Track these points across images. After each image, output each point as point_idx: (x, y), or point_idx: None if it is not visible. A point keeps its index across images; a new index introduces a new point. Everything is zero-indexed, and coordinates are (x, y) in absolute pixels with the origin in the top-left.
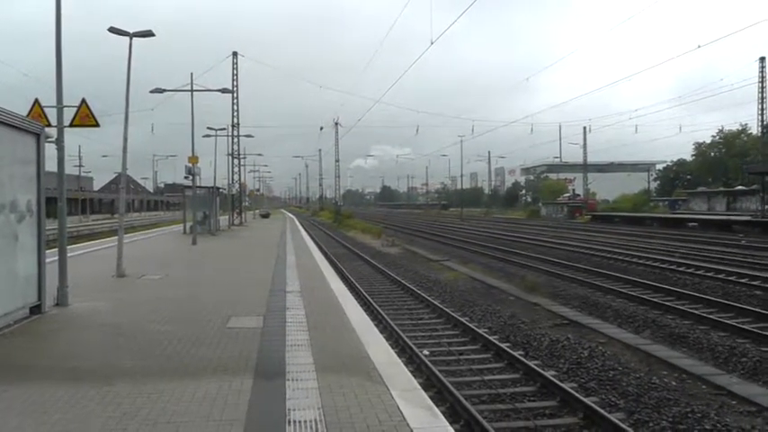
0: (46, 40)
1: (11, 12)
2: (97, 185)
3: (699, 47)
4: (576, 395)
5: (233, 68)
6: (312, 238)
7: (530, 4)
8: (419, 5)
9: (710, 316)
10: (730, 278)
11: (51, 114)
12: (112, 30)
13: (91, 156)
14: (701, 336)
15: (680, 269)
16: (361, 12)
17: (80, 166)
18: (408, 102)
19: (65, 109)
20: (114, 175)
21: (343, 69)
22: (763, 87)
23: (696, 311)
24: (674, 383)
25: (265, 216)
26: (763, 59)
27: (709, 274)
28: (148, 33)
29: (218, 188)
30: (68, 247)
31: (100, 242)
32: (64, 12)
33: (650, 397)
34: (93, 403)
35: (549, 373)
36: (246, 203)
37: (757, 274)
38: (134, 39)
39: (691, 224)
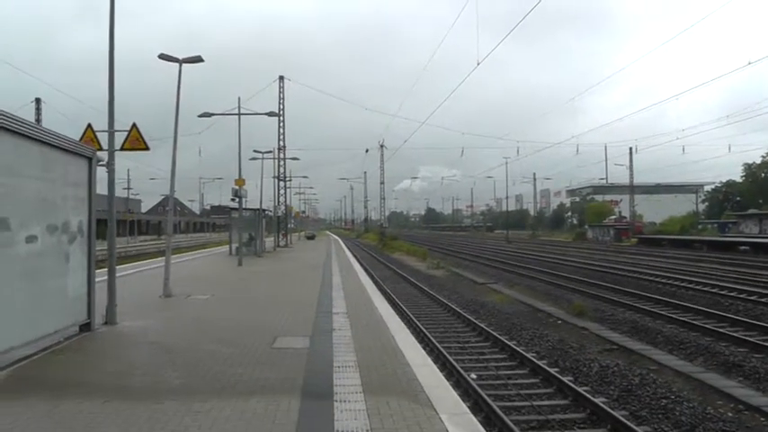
0: (102, 70)
1: (69, 41)
2: (145, 207)
3: (749, 63)
4: (628, 423)
5: (279, 92)
6: (357, 260)
7: (576, 25)
8: (467, 28)
9: (767, 344)
10: None
11: (103, 139)
12: (162, 56)
13: (139, 179)
14: (758, 364)
15: (732, 294)
16: (411, 35)
17: (129, 188)
18: (454, 123)
19: (116, 133)
20: (161, 198)
21: (390, 92)
22: None
23: (751, 339)
24: (730, 414)
25: (311, 238)
26: None
27: (762, 299)
28: (197, 59)
29: (263, 210)
30: (117, 267)
31: (147, 263)
32: (116, 40)
33: (705, 428)
34: (141, 421)
35: (599, 400)
36: (292, 225)
37: None
38: (183, 65)
39: (742, 248)
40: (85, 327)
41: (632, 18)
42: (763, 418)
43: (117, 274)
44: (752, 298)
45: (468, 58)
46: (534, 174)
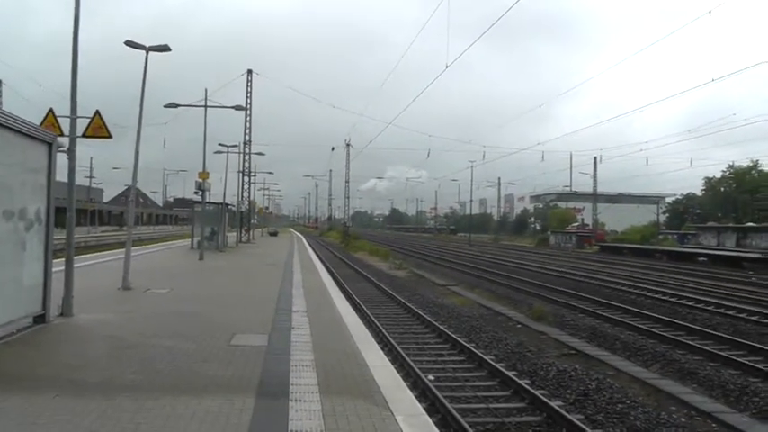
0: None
1: (36, 26)
2: (107, 197)
3: (713, 80)
4: (583, 427)
5: (247, 86)
6: (319, 258)
7: (547, 35)
8: (438, 31)
9: (722, 353)
10: (741, 315)
11: (65, 125)
12: (129, 43)
13: (102, 167)
14: (712, 372)
15: (689, 304)
16: (382, 36)
17: (91, 177)
18: (422, 126)
19: (78, 120)
20: (124, 188)
21: (359, 92)
22: None
23: (707, 347)
24: (683, 419)
25: (273, 234)
26: None
27: (719, 309)
28: (164, 48)
29: (227, 205)
30: (75, 257)
31: (107, 254)
32: (82, 26)
33: None
34: (91, 417)
35: (555, 404)
36: (255, 221)
37: None
38: (150, 53)
39: (700, 259)
40: (40, 318)
41: (602, 31)
42: (714, 424)
43: (75, 265)
44: (709, 308)
45: (437, 61)
46: (499, 178)
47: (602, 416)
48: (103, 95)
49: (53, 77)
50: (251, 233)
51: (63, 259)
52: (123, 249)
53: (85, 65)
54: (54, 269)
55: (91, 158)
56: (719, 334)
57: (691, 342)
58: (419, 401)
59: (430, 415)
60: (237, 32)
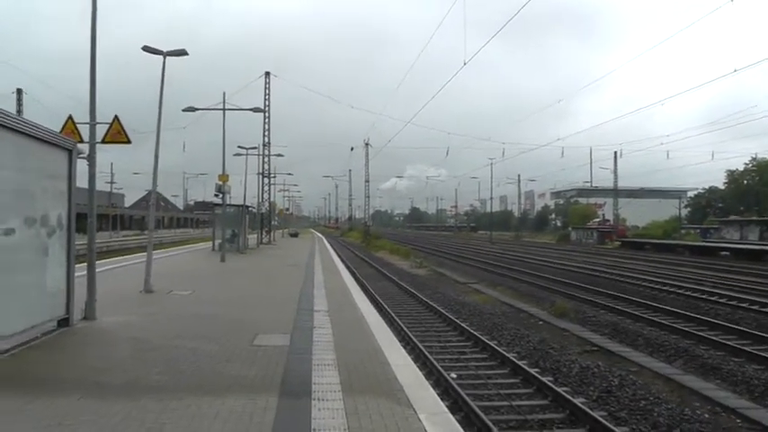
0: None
1: (51, 33)
2: (128, 202)
3: (735, 71)
4: (606, 424)
5: (265, 88)
6: (340, 258)
7: (565, 29)
8: (455, 29)
9: (745, 348)
10: (764, 309)
11: (84, 131)
12: (147, 49)
13: (123, 173)
14: (735, 368)
15: (712, 298)
16: (399, 35)
17: (111, 182)
18: (440, 124)
19: (97, 126)
20: (145, 192)
21: (376, 91)
22: None
23: (730, 342)
24: (707, 416)
25: (294, 235)
26: None
27: (742, 304)
28: (182, 53)
29: (247, 207)
30: (98, 261)
31: (129, 257)
32: (99, 32)
33: (682, 429)
34: (117, 418)
35: (578, 401)
36: (275, 222)
37: None
38: (168, 58)
39: (723, 253)
40: (64, 322)
41: (621, 24)
42: (738, 420)
43: (98, 269)
44: (731, 302)
45: (455, 58)
46: (519, 175)
47: (626, 413)
48: (121, 101)
49: (70, 84)
50: (272, 234)
51: (85, 264)
52: (145, 253)
53: (102, 70)
54: (77, 274)
55: (111, 164)
56: (742, 329)
57: (713, 337)
58: (441, 400)
59: (453, 413)
60: (254, 35)
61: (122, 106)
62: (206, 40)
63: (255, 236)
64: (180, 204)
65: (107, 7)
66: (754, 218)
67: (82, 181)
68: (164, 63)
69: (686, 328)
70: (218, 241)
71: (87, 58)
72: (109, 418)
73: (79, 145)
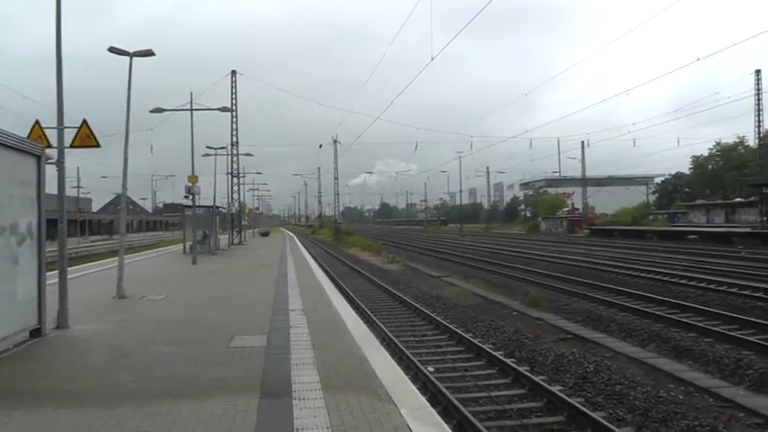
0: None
1: (15, 38)
2: (96, 206)
3: (698, 59)
4: (584, 410)
5: (232, 87)
6: (312, 256)
7: (532, 24)
8: (423, 25)
9: (715, 328)
10: (732, 290)
11: (52, 136)
12: (112, 50)
13: (89, 177)
14: (707, 348)
15: (682, 282)
16: (367, 32)
17: (78, 187)
18: (411, 119)
19: (66, 130)
20: (113, 196)
21: (344, 88)
22: (759, 100)
23: (700, 324)
24: (681, 397)
25: (265, 234)
26: (758, 72)
27: (711, 286)
28: (149, 53)
29: (217, 207)
30: (68, 268)
31: (99, 263)
32: (65, 35)
33: (658, 411)
34: (95, 426)
35: (555, 388)
36: (245, 222)
37: (759, 285)
38: (135, 59)
39: (690, 237)
40: (36, 332)
41: (586, 17)
42: (711, 399)
43: (69, 276)
44: (701, 285)
45: (422, 54)
46: (488, 167)
47: (602, 398)
48: (88, 104)
49: (37, 89)
50: (242, 235)
51: (56, 271)
52: (115, 258)
53: (70, 74)
54: (48, 282)
55: (78, 168)
56: (712, 310)
57: (685, 319)
58: (421, 394)
59: (432, 406)
60: (220, 34)
61: (89, 109)
62: (174, 40)
63: (226, 236)
64: (149, 207)
65: (74, 10)
66: (720, 201)
67: (51, 187)
68: (130, 64)
69: (658, 312)
70: (188, 243)
71: (53, 62)
72: (87, 427)
73: (47, 150)
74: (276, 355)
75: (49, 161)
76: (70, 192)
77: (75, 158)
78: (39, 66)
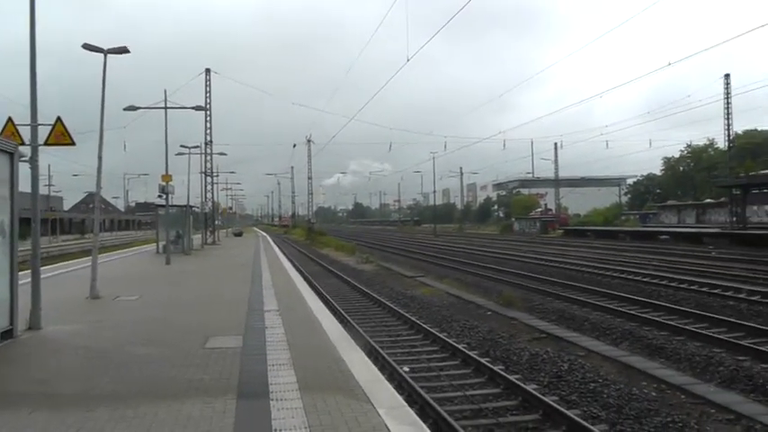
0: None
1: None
2: (67, 205)
3: (669, 64)
4: (559, 408)
5: (206, 85)
6: (286, 257)
7: (507, 26)
8: (398, 26)
9: (686, 327)
10: (703, 289)
11: (26, 133)
12: (87, 47)
13: (61, 175)
14: (678, 346)
15: (654, 281)
16: (344, 33)
17: (50, 185)
18: (386, 120)
19: (39, 128)
20: (85, 195)
21: (320, 88)
22: (728, 103)
23: (672, 322)
24: (653, 394)
25: (238, 234)
26: (728, 77)
27: (682, 285)
28: (123, 50)
29: (191, 207)
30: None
31: (72, 263)
32: (38, 29)
33: (631, 408)
34: (71, 430)
35: (530, 387)
36: (219, 222)
37: (729, 284)
38: (109, 56)
39: (662, 237)
40: (7, 334)
41: (560, 20)
42: (683, 396)
43: (41, 276)
44: (672, 284)
45: (398, 55)
46: (461, 168)
47: (576, 396)
48: (60, 101)
49: (10, 86)
50: (216, 234)
51: (28, 271)
52: (87, 258)
53: (44, 71)
54: (20, 281)
55: (49, 166)
56: (683, 309)
57: (657, 318)
58: (398, 393)
59: (409, 406)
60: (195, 32)
61: (62, 106)
62: (148, 38)
63: (200, 236)
64: (121, 206)
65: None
66: (691, 202)
67: (23, 184)
68: (104, 61)
69: (631, 311)
70: (162, 243)
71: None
72: (63, 429)
73: (21, 148)
74: (252, 355)
75: (23, 159)
76: (41, 190)
77: (46, 156)
78: (11, 64)
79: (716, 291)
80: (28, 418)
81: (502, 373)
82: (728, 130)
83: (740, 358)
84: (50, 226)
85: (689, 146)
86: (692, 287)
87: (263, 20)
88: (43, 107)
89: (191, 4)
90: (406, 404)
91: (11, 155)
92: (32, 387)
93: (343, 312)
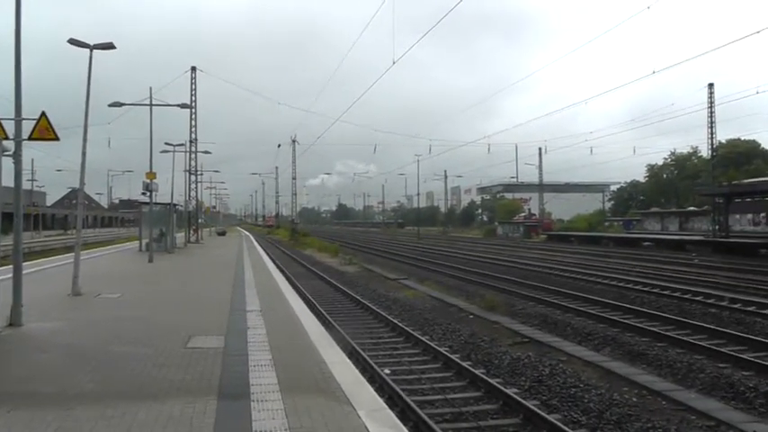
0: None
1: None
2: (50, 200)
3: (654, 72)
4: (539, 412)
5: (191, 83)
6: (269, 257)
7: (494, 32)
8: (386, 28)
9: (668, 333)
10: (685, 296)
11: (9, 127)
12: (73, 42)
13: (44, 170)
14: (660, 353)
15: (637, 287)
16: (329, 33)
17: (33, 180)
18: (373, 121)
19: (24, 122)
20: (68, 190)
21: (306, 89)
22: (712, 112)
23: (654, 329)
24: (634, 399)
25: (222, 234)
26: (711, 86)
27: (665, 292)
28: (109, 46)
29: (174, 205)
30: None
31: (53, 259)
32: (25, 23)
33: (612, 413)
34: (50, 429)
35: (510, 391)
36: (202, 221)
37: (711, 292)
38: (94, 51)
39: (645, 243)
40: None
41: (546, 27)
42: (664, 402)
43: (22, 272)
44: (655, 290)
45: (385, 57)
46: (445, 171)
47: (557, 400)
48: (45, 95)
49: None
50: (199, 233)
51: (10, 266)
52: (69, 254)
53: (27, 64)
54: (0, 277)
55: (32, 161)
56: (666, 315)
57: (639, 324)
58: (379, 396)
59: (390, 408)
60: (181, 31)
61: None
62: (134, 34)
63: (183, 235)
64: (104, 203)
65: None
66: (674, 209)
67: (6, 179)
68: (90, 57)
69: (613, 317)
70: (145, 241)
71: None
72: (42, 429)
73: (4, 142)
74: (234, 356)
75: (6, 153)
76: (24, 185)
77: (29, 150)
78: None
79: (698, 298)
80: (8, 417)
81: (483, 376)
82: (712, 138)
83: (721, 365)
84: (33, 221)
85: (673, 154)
86: (674, 294)
87: (248, 19)
88: (28, 102)
89: (176, 2)
90: (386, 406)
91: None
92: (12, 385)
93: (325, 314)
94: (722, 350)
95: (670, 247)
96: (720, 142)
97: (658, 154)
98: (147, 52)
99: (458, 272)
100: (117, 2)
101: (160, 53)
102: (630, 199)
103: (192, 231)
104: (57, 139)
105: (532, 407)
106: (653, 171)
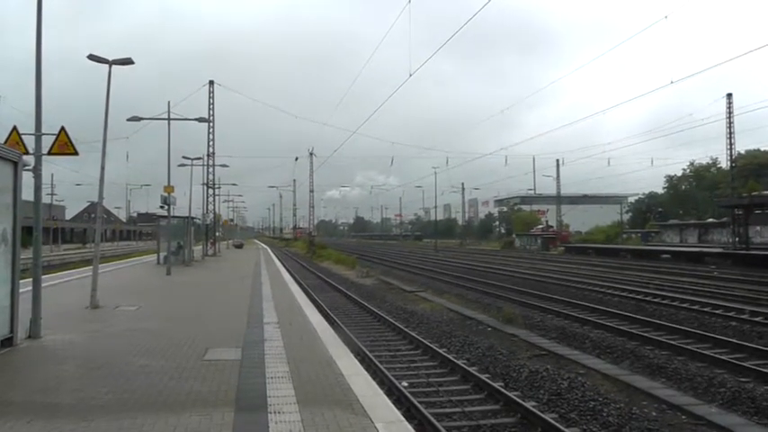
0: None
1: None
2: (69, 214)
3: (672, 82)
4: (558, 426)
5: (209, 97)
6: (287, 269)
7: (512, 44)
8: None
9: (688, 347)
10: (705, 309)
11: (30, 142)
12: (92, 57)
13: (63, 184)
14: (680, 366)
15: (655, 300)
16: (347, 46)
17: (52, 194)
18: (391, 135)
19: (43, 137)
20: (87, 204)
21: (326, 103)
22: (730, 123)
23: (674, 342)
24: (654, 414)
25: (239, 246)
26: (730, 96)
27: (684, 305)
28: (128, 61)
29: (192, 218)
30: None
31: (72, 272)
32: (46, 42)
33: (631, 427)
34: None
35: (529, 404)
36: (220, 233)
37: (731, 305)
38: (114, 67)
39: (664, 256)
40: (7, 341)
41: (565, 38)
42: (684, 416)
43: (42, 285)
44: (674, 303)
45: (402, 70)
46: (462, 183)
47: (576, 414)
48: (63, 110)
49: (16, 95)
50: (216, 246)
51: (29, 279)
52: (88, 267)
53: (49, 81)
54: (20, 290)
55: (52, 175)
56: (685, 328)
57: (658, 337)
58: (397, 408)
59: (407, 421)
60: (204, 47)
61: (64, 115)
62: (158, 51)
63: (200, 248)
64: (123, 216)
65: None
66: (693, 221)
67: (25, 193)
68: (109, 72)
69: (632, 330)
70: (163, 254)
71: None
72: None
73: (24, 157)
74: (251, 368)
75: (26, 168)
76: (44, 199)
77: (49, 165)
78: (19, 72)
79: (718, 311)
80: (28, 427)
81: (501, 389)
82: (731, 149)
83: (743, 380)
84: (52, 235)
85: (692, 164)
86: (693, 307)
87: (270, 35)
88: (50, 118)
89: (197, 18)
90: (404, 419)
91: (15, 164)
92: (32, 396)
93: (342, 326)
94: (744, 364)
95: (689, 260)
96: (740, 153)
97: (676, 165)
98: (167, 68)
99: (475, 284)
100: (138, 19)
101: (181, 69)
102: (649, 211)
103: (209, 244)
104: (76, 153)
105: (551, 420)
106: (672, 182)
